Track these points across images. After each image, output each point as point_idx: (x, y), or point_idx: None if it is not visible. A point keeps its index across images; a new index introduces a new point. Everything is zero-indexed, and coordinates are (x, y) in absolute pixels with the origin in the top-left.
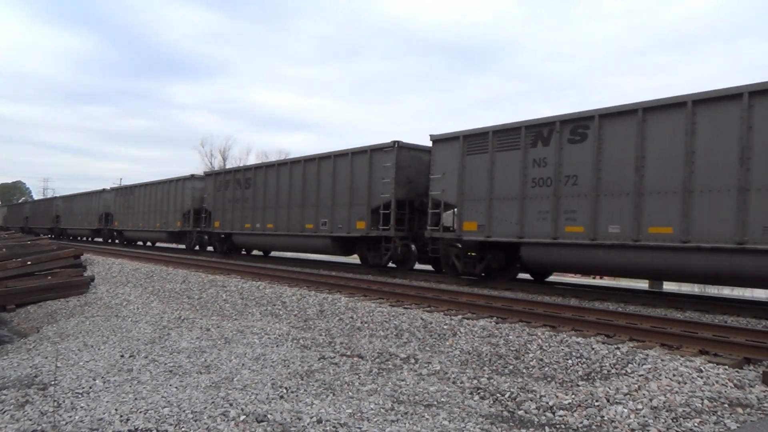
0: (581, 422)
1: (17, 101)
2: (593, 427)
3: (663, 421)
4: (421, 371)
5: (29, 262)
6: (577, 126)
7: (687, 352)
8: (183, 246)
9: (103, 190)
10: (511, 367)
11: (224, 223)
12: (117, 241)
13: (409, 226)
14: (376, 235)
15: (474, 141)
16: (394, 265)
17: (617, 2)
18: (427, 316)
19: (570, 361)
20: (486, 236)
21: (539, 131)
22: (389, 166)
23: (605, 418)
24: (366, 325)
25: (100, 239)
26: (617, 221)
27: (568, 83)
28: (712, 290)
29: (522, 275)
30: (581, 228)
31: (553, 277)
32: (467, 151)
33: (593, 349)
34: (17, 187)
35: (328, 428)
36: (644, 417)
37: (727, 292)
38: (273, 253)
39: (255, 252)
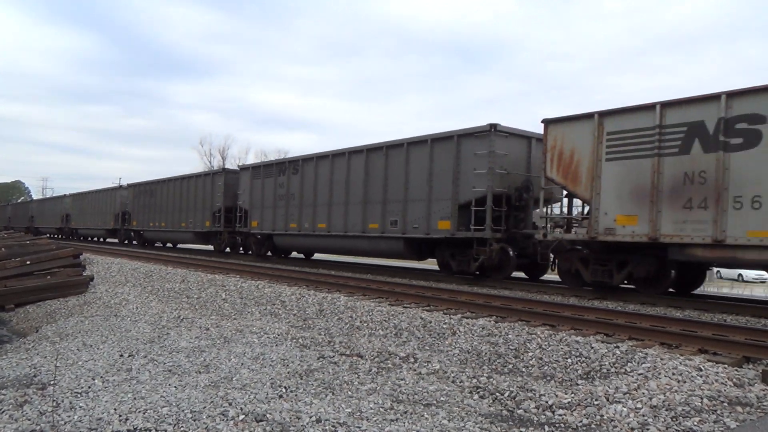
0: (581, 421)
1: (17, 101)
2: (593, 426)
3: (662, 420)
4: (420, 370)
5: (28, 262)
6: (295, 165)
7: (686, 351)
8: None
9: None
10: (510, 366)
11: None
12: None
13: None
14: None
15: (265, 170)
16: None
17: (617, 2)
18: (427, 315)
19: (569, 360)
20: (261, 230)
21: (281, 167)
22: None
23: (605, 417)
24: (365, 324)
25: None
26: (309, 221)
27: (568, 83)
28: (712, 289)
29: (517, 274)
30: (295, 224)
31: (550, 276)
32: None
33: (593, 348)
34: (16, 187)
35: (327, 427)
36: (644, 416)
37: (726, 291)
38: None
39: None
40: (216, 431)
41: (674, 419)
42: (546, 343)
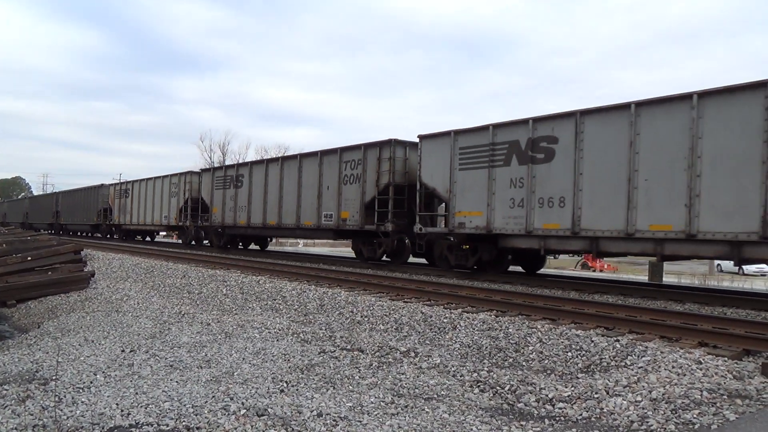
0: (581, 414)
1: (21, 97)
2: (593, 419)
3: (662, 413)
4: (421, 365)
5: (29, 258)
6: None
7: (686, 344)
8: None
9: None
10: (511, 360)
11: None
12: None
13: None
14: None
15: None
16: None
17: None
18: (427, 310)
19: (570, 354)
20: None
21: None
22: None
23: (605, 410)
24: (366, 319)
25: (99, 234)
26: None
27: (572, 77)
28: (712, 282)
29: (514, 268)
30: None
31: (549, 270)
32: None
33: (593, 341)
34: (16, 183)
35: (328, 422)
36: (643, 409)
37: (726, 284)
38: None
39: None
40: (218, 426)
41: (674, 412)
42: (546, 336)
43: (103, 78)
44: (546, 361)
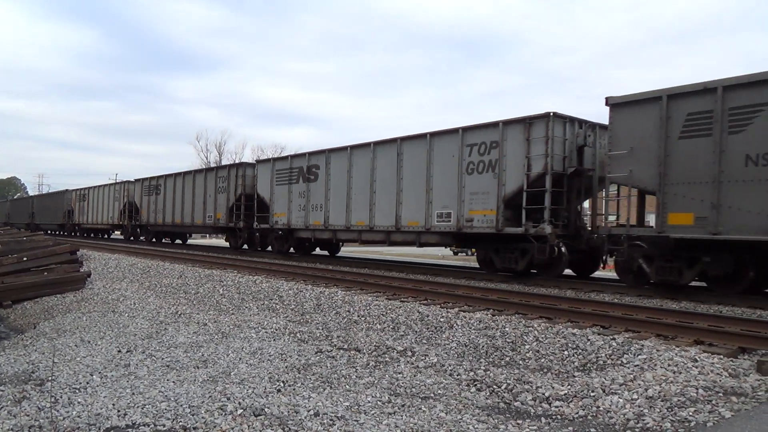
0: (577, 413)
1: (17, 97)
2: (589, 417)
3: (658, 410)
4: (417, 364)
5: (25, 258)
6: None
7: (682, 342)
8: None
9: (66, 191)
10: (507, 358)
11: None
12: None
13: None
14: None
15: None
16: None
17: None
18: (424, 309)
19: (566, 353)
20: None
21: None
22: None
23: (601, 408)
24: (363, 318)
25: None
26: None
27: (570, 76)
28: None
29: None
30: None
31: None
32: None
33: (589, 340)
34: (12, 183)
35: (325, 421)
36: (639, 407)
37: None
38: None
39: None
40: (214, 425)
41: (670, 410)
42: (543, 335)
43: (100, 77)
44: (542, 360)
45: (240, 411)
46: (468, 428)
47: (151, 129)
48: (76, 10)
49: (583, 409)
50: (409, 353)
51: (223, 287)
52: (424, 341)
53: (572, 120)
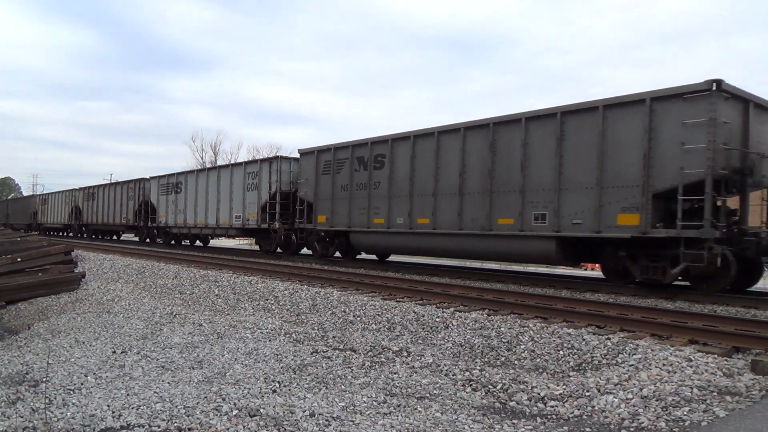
0: (572, 412)
1: (11, 97)
2: (584, 417)
3: (653, 410)
4: (413, 364)
5: (19, 259)
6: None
7: (677, 342)
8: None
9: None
10: (503, 358)
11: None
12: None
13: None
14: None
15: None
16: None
17: None
18: (420, 309)
19: (561, 352)
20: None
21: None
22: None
23: (596, 407)
24: (358, 318)
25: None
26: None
27: (564, 76)
28: None
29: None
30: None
31: (540, 269)
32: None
33: (584, 339)
34: (6, 183)
35: (320, 422)
36: (634, 406)
37: None
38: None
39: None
40: (210, 426)
41: (664, 409)
42: (538, 335)
43: (95, 77)
44: (538, 360)
45: (235, 412)
46: (464, 428)
47: (146, 129)
48: (71, 10)
49: (579, 409)
50: (405, 353)
51: (218, 288)
52: (420, 341)
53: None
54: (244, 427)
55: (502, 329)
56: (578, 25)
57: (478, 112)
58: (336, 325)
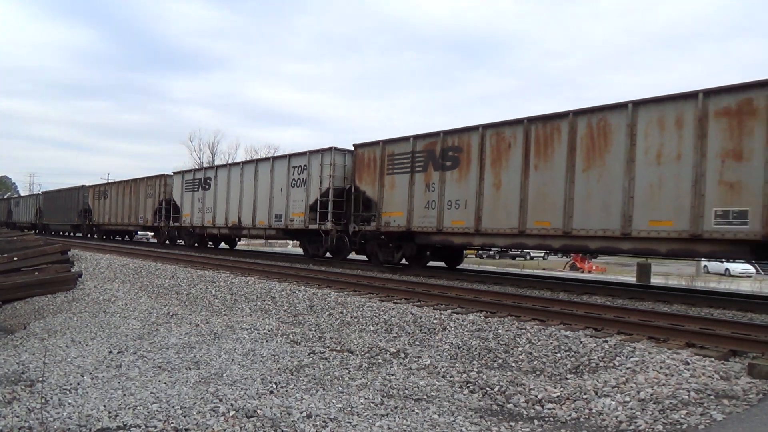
0: (569, 415)
1: (10, 96)
2: (581, 419)
3: (650, 413)
4: (410, 366)
5: (15, 258)
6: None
7: (674, 345)
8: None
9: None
10: (500, 360)
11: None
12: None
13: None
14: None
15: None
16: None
17: (614, 0)
18: (417, 311)
19: (559, 355)
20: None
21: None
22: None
23: (593, 410)
24: (356, 319)
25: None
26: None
27: (564, 80)
28: (699, 284)
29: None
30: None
31: (538, 272)
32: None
33: (582, 342)
34: (3, 182)
35: (317, 423)
36: (632, 409)
37: (713, 285)
38: None
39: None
40: (206, 427)
41: (662, 412)
42: (535, 337)
43: (94, 77)
44: (535, 362)
45: (232, 412)
46: (461, 430)
47: (144, 129)
48: (71, 10)
49: (576, 411)
50: (402, 355)
51: (215, 288)
52: (417, 343)
53: None
54: (241, 428)
55: (500, 331)
56: (578, 29)
57: (478, 115)
58: (333, 326)
